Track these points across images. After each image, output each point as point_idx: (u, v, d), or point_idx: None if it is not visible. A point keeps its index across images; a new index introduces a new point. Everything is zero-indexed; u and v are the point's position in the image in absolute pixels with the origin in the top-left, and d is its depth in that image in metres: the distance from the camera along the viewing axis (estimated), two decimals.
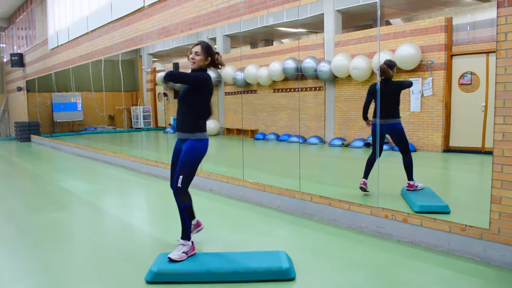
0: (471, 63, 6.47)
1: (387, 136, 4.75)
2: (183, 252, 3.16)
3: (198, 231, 3.57)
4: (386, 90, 4.52)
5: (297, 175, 4.95)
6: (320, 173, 6.76)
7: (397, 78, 7.25)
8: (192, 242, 3.27)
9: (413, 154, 7.16)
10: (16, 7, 17.69)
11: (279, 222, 4.45)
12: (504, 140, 3.08)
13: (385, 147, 4.95)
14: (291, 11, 4.99)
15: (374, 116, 4.59)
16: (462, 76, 6.54)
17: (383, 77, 4.59)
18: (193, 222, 3.49)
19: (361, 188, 4.62)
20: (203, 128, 3.28)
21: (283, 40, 11.44)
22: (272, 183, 5.09)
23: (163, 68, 12.11)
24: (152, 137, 11.90)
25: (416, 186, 4.57)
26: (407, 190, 4.53)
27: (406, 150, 4.64)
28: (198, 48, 3.24)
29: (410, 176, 4.60)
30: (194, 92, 3.21)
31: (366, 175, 4.62)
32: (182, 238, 3.25)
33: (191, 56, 3.25)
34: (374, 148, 4.61)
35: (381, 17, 4.26)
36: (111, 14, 9.44)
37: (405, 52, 7.09)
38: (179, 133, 3.30)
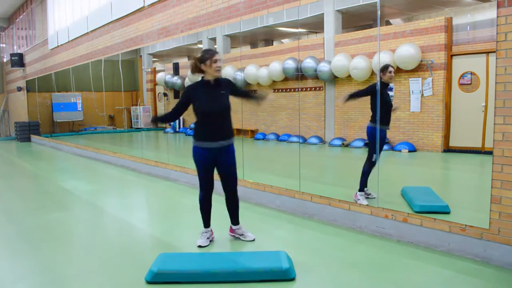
0: (471, 63, 6.47)
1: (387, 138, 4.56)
2: None
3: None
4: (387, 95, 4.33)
5: (297, 175, 4.95)
6: (320, 173, 6.75)
7: (397, 78, 7.27)
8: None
9: (413, 154, 7.19)
10: (16, 7, 17.69)
11: (279, 222, 4.45)
12: (504, 140, 3.08)
13: (384, 147, 4.89)
14: (291, 11, 4.99)
15: (371, 120, 4.36)
16: (462, 76, 6.54)
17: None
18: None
19: (359, 200, 4.26)
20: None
21: (283, 40, 11.44)
22: (272, 183, 5.09)
23: (163, 68, 12.11)
24: (152, 137, 11.90)
25: (369, 194, 4.38)
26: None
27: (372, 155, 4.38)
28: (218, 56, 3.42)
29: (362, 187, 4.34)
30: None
31: (362, 187, 4.32)
32: None
33: (218, 65, 3.41)
34: (370, 155, 4.38)
35: (381, 17, 4.26)
36: (111, 14, 9.44)
37: (405, 52, 7.09)
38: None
